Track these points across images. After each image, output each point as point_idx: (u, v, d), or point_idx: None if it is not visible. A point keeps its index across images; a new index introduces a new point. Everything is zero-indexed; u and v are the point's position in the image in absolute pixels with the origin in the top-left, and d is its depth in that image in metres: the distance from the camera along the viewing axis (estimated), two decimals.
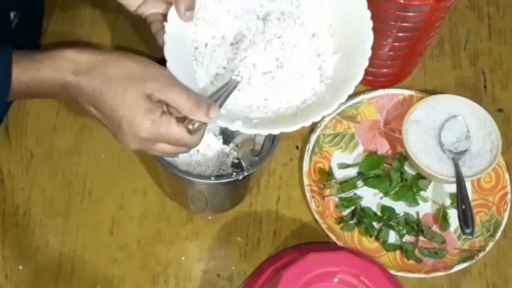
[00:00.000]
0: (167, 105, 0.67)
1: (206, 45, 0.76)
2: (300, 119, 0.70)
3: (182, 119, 0.68)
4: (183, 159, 0.87)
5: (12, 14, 0.89)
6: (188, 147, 0.70)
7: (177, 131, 0.67)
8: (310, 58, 0.75)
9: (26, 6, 0.93)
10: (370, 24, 0.74)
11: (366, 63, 0.72)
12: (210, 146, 0.88)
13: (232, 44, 0.76)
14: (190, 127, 0.68)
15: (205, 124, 0.68)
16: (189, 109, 0.66)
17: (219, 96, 0.70)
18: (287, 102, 0.74)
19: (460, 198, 0.86)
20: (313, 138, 0.93)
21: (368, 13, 0.74)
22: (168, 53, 0.71)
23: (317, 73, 0.75)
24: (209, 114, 0.67)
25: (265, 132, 0.70)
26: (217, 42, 0.76)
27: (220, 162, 0.86)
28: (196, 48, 0.76)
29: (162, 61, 0.71)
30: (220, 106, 0.69)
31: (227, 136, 0.88)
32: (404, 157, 0.92)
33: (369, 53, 0.73)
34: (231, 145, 0.88)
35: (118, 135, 0.69)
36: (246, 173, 0.77)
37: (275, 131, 0.70)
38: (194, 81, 0.73)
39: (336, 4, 0.76)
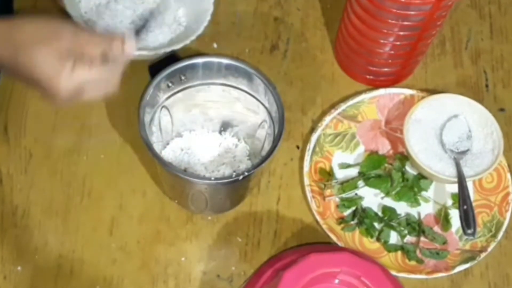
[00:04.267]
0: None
1: None
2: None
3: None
4: (182, 158, 0.87)
5: None
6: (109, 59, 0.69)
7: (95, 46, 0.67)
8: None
9: None
10: None
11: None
12: (210, 144, 0.88)
13: None
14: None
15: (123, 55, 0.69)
16: (105, 43, 0.67)
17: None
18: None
19: (462, 199, 0.86)
20: (313, 138, 0.92)
21: None
22: None
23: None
24: (124, 43, 0.68)
25: None
26: None
27: (220, 161, 0.86)
28: None
29: None
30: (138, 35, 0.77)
31: (225, 125, 0.89)
32: (405, 157, 0.92)
33: None
34: (231, 144, 0.88)
35: (45, 96, 0.68)
36: (246, 173, 0.77)
37: None
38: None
39: None
